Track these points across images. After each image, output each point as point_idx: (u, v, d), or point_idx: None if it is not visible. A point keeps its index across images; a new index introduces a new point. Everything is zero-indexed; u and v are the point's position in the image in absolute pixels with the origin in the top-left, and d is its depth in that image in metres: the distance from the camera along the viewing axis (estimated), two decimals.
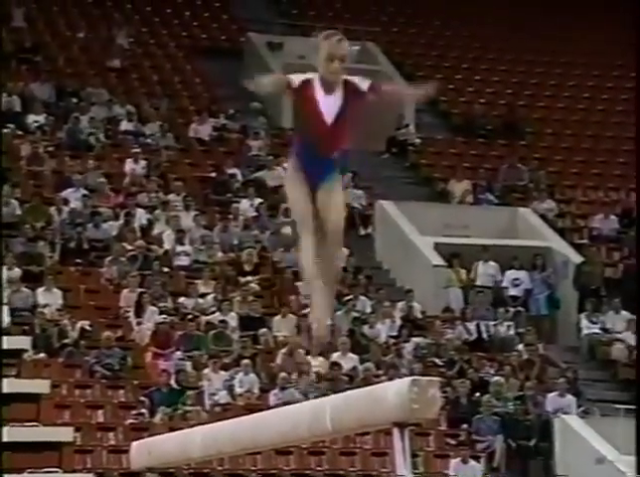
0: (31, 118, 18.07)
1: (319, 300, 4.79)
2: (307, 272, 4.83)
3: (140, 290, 15.46)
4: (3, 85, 18.46)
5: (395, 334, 15.93)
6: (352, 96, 4.84)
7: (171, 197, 17.40)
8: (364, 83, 4.85)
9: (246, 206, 17.59)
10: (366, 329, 15.79)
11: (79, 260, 16.14)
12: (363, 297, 16.19)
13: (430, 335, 15.98)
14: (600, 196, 19.84)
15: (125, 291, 15.48)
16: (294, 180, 4.91)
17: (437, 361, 15.52)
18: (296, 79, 4.82)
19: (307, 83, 4.82)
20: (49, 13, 21.17)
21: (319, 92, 4.81)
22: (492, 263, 17.26)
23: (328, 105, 4.81)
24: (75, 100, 18.71)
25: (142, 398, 14.20)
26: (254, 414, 5.23)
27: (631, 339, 16.38)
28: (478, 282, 17.18)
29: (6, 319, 14.67)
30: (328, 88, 4.81)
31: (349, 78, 4.84)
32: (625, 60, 20.71)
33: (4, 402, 12.80)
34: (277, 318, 15.65)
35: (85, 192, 16.98)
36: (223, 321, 15.33)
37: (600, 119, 21.41)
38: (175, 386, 14.33)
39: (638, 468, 12.75)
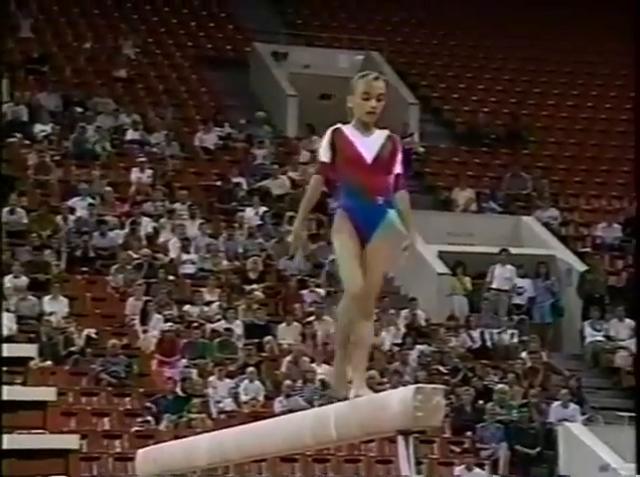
0: (38, 128, 18.13)
1: (340, 367, 4.71)
2: (342, 335, 4.70)
3: (146, 298, 15.52)
4: (11, 95, 18.62)
5: (399, 342, 15.95)
6: (392, 148, 4.76)
7: (176, 205, 17.45)
8: (400, 163, 4.77)
9: (251, 214, 17.62)
10: None
11: (85, 269, 16.21)
12: None
13: (434, 343, 16.01)
14: (603, 204, 19.87)
15: (131, 299, 15.54)
16: (343, 234, 4.70)
17: (441, 368, 15.54)
18: (324, 152, 4.71)
19: (337, 134, 4.70)
20: (56, 24, 21.25)
21: (355, 134, 4.70)
22: (509, 267, 17.28)
23: (366, 145, 4.70)
24: (81, 110, 18.76)
25: (148, 405, 14.21)
26: (260, 422, 5.25)
27: (634, 347, 16.40)
28: (494, 285, 17.20)
29: (13, 327, 14.75)
30: (365, 129, 4.71)
31: (396, 136, 4.80)
32: (628, 69, 20.78)
33: (11, 410, 12.88)
34: (282, 326, 15.71)
35: (92, 201, 17.03)
36: (228, 329, 15.37)
37: (604, 128, 21.45)
38: (180, 393, 14.36)
39: (639, 470, 12.80)
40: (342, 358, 4.77)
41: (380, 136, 4.74)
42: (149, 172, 17.84)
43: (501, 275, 17.25)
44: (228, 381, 14.68)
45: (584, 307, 17.33)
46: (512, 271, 17.31)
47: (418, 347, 15.80)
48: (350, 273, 4.65)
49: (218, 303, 15.84)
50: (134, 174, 17.80)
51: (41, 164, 17.50)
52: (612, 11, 22.47)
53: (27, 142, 17.83)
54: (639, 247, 17.06)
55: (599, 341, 16.94)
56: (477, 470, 14.12)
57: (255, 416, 12.14)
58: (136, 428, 13.89)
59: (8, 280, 15.27)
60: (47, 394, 13.60)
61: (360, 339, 4.69)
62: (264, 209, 17.75)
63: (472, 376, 15.52)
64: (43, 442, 13.11)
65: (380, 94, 4.69)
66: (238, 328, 15.48)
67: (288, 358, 15.08)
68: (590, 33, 23.13)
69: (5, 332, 14.47)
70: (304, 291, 16.42)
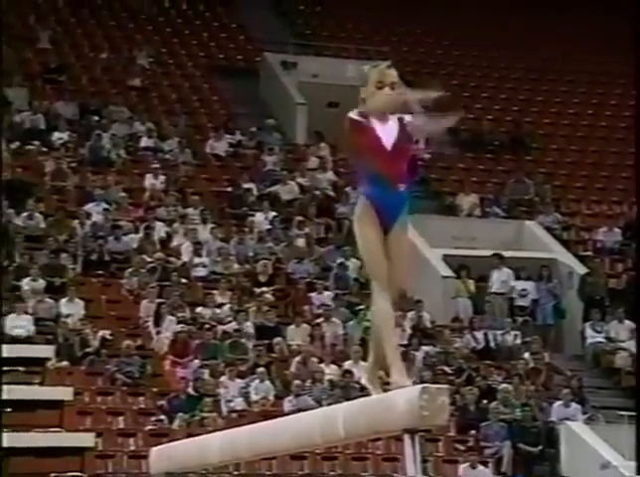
0: (55, 136, 18.31)
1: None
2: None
3: (159, 301, 15.70)
4: (29, 104, 19.01)
5: (405, 343, 16.09)
6: (407, 130, 4.78)
7: (189, 210, 17.65)
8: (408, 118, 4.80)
9: (261, 219, 17.79)
10: None
11: (100, 272, 16.40)
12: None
13: (440, 344, 16.18)
14: (604, 209, 20.02)
15: (145, 301, 15.73)
16: (366, 221, 4.72)
17: (446, 369, 15.68)
18: (353, 114, 4.75)
19: (362, 115, 4.76)
20: (73, 35, 21.42)
21: (374, 122, 4.73)
22: (505, 270, 17.47)
23: (385, 132, 4.72)
24: (97, 118, 18.93)
25: (162, 403, 14.42)
26: (270, 421, 5.29)
27: (634, 348, 16.64)
28: (493, 289, 17.45)
29: (30, 328, 15.05)
30: (381, 117, 4.73)
31: (401, 116, 4.80)
32: (627, 78, 21.09)
33: (29, 409, 13.30)
34: (291, 327, 15.91)
35: (107, 206, 17.24)
36: (238, 330, 15.55)
37: (604, 135, 21.58)
38: (193, 393, 14.55)
39: (638, 470, 13.11)
40: (376, 359, 4.94)
41: (396, 122, 4.76)
42: (162, 178, 18.04)
43: (498, 279, 17.49)
44: (238, 381, 14.85)
45: (585, 309, 17.48)
46: (509, 275, 17.49)
47: (424, 348, 15.95)
48: (375, 267, 4.69)
49: (229, 305, 16.02)
50: (148, 180, 18.01)
51: (58, 171, 17.70)
52: (612, 21, 22.73)
53: (44, 149, 18.02)
54: (639, 251, 17.38)
55: (600, 342, 17.09)
56: (481, 468, 14.26)
57: (265, 415, 12.22)
58: (150, 427, 14.07)
59: (26, 283, 15.54)
60: (63, 393, 13.83)
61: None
62: (274, 213, 17.91)
63: (476, 376, 15.67)
64: (59, 440, 13.36)
65: (393, 83, 4.70)
66: (248, 329, 15.65)
67: (297, 358, 15.27)
68: (591, 42, 23.26)
69: (23, 333, 14.90)
70: (313, 294, 16.64)
